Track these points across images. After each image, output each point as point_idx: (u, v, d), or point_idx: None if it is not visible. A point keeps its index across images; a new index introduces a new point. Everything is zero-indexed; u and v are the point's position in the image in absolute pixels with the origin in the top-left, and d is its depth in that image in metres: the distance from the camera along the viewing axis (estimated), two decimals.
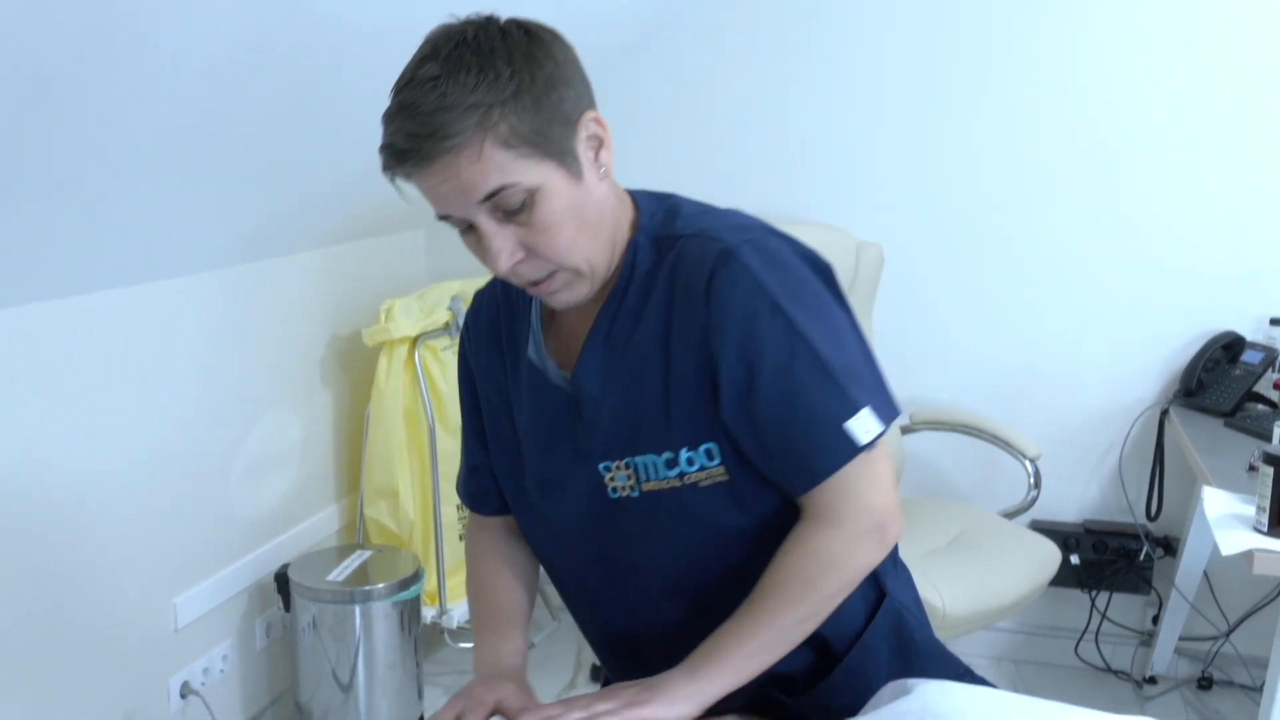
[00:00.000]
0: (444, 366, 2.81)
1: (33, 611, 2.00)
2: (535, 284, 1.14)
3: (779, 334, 1.12)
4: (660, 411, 1.17)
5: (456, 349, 3.07)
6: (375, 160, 1.07)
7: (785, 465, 1.16)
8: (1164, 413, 2.80)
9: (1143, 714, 1.01)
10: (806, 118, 2.96)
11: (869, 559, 1.18)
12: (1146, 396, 2.89)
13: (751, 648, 1.16)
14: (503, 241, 1.09)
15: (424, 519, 2.82)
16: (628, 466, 1.20)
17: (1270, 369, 2.68)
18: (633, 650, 1.34)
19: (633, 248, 1.20)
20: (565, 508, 1.27)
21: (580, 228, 1.12)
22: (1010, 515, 2.78)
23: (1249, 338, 2.77)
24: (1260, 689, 2.88)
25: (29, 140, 1.58)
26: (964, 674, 1.36)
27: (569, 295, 1.17)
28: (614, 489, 1.22)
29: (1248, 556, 1.86)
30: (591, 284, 1.17)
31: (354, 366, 2.90)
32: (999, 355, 2.97)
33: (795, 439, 1.14)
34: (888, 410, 1.16)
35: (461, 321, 2.79)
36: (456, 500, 2.83)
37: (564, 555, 1.34)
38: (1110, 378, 2.91)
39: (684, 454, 1.17)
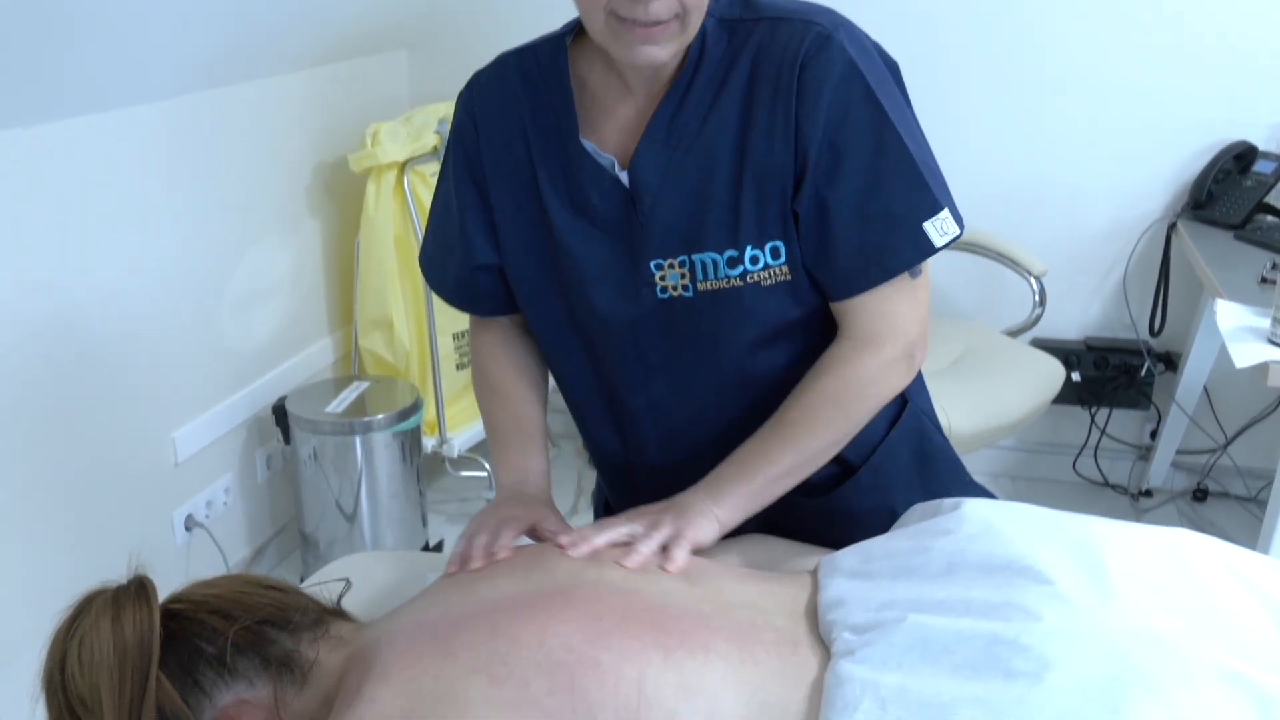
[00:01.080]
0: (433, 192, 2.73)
1: (31, 450, 1.97)
2: (654, 26, 1.02)
3: (870, 123, 1.08)
4: (729, 206, 1.11)
5: None
6: None
7: (853, 261, 1.11)
8: (1171, 226, 2.75)
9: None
10: None
11: (897, 384, 1.17)
12: (1154, 210, 2.83)
13: (774, 472, 1.14)
14: None
15: (420, 349, 2.79)
16: (682, 265, 1.14)
17: None
18: (642, 464, 1.29)
19: (700, 30, 1.10)
20: (603, 306, 1.19)
21: None
22: (1014, 333, 2.75)
23: (1261, 147, 2.69)
24: (1255, 499, 2.92)
25: None
26: (969, 484, 1.36)
27: (664, 51, 1.05)
28: (664, 289, 1.15)
29: (1263, 369, 1.85)
30: (681, 45, 1.08)
31: (341, 194, 2.82)
32: (1003, 170, 2.89)
33: (873, 233, 1.10)
34: (959, 218, 1.13)
35: None
36: (453, 329, 2.82)
37: (587, 358, 1.25)
38: (1117, 191, 2.84)
39: (749, 251, 1.12)
